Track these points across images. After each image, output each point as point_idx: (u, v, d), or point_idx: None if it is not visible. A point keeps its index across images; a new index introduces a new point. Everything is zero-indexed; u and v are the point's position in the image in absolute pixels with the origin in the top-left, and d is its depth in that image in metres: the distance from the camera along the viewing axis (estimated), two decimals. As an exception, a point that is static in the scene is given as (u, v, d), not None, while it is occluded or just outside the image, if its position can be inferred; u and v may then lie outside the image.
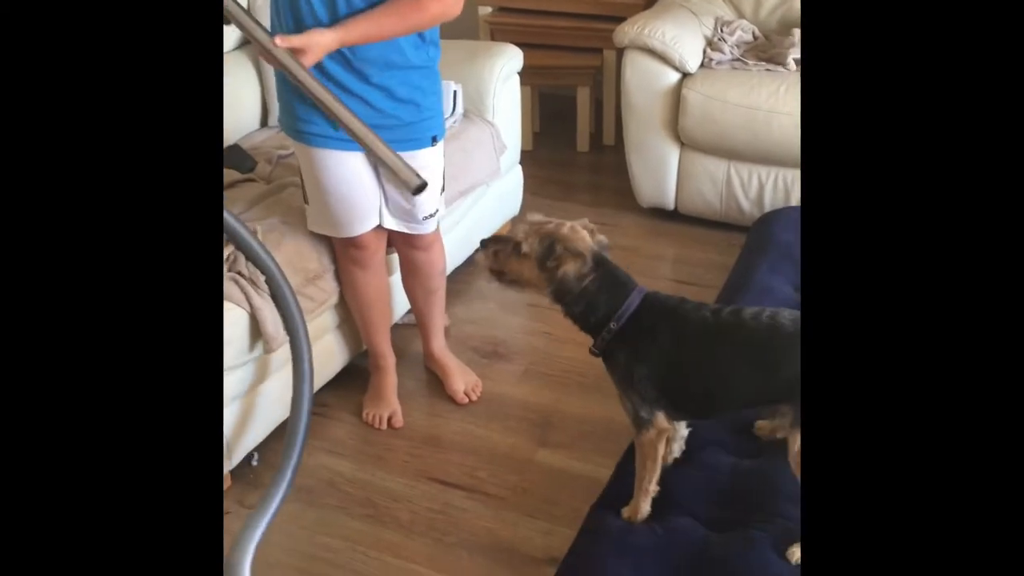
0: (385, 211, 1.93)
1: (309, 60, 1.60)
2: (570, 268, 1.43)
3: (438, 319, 2.22)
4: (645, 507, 1.51)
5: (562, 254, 1.44)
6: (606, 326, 1.46)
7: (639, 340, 1.44)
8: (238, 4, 1.62)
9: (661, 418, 1.46)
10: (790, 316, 1.35)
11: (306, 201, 1.94)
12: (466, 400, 2.18)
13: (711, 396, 1.44)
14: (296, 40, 1.58)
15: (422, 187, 1.59)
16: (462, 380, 2.20)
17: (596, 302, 1.46)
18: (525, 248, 1.48)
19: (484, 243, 1.58)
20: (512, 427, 2.10)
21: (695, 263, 2.78)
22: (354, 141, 1.74)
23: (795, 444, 1.30)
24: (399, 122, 1.79)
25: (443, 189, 2.01)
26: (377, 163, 1.60)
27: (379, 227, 1.93)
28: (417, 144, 1.84)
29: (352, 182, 1.83)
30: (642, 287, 1.50)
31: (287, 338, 1.88)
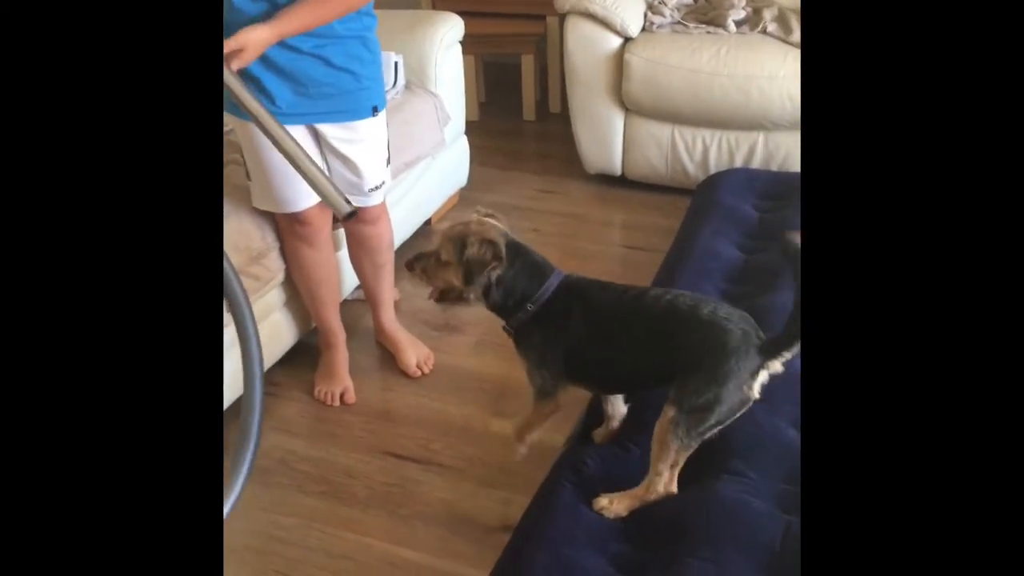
0: None
1: (248, 57, 1.58)
2: (485, 255, 1.48)
3: (387, 293, 2.21)
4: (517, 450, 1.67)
5: (475, 245, 1.48)
6: (523, 307, 1.52)
7: (554, 321, 1.51)
8: None
9: (563, 394, 1.56)
10: (688, 299, 1.43)
11: (248, 178, 1.90)
12: (419, 373, 2.18)
13: (617, 372, 1.52)
14: (231, 42, 1.54)
15: (351, 214, 1.59)
16: (414, 354, 2.20)
17: (514, 287, 1.51)
18: (444, 256, 1.52)
19: (409, 265, 1.59)
20: (466, 398, 2.11)
21: (643, 228, 2.80)
22: (293, 117, 1.73)
23: (666, 416, 1.38)
24: (336, 91, 1.77)
25: (388, 161, 2.00)
26: (308, 184, 1.61)
27: (323, 202, 1.91)
28: (356, 115, 1.83)
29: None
30: (559, 271, 1.55)
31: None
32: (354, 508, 1.83)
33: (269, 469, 1.93)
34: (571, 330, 1.50)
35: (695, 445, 1.40)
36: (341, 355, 2.16)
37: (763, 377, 1.37)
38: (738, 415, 1.39)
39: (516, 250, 1.52)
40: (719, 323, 1.38)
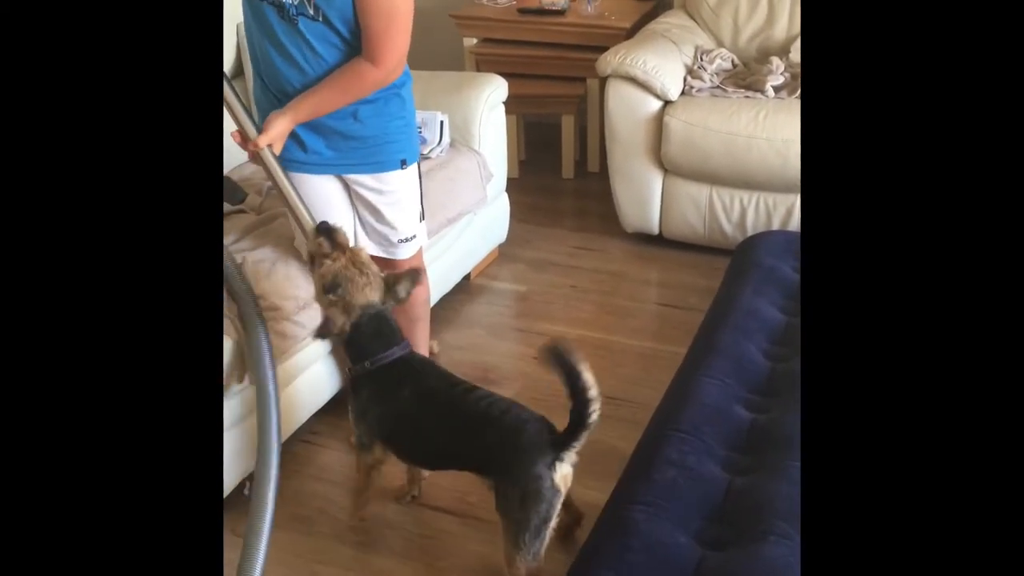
0: (361, 233, 1.97)
1: (277, 148, 1.76)
2: (336, 315, 1.69)
3: (422, 348, 2.23)
4: (354, 515, 1.92)
5: (338, 299, 1.69)
6: (362, 362, 1.72)
7: (384, 386, 1.72)
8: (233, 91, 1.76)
9: (379, 449, 1.78)
10: (503, 405, 1.63)
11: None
12: None
13: (427, 450, 1.76)
14: (264, 138, 1.73)
15: (322, 228, 1.76)
16: None
17: (359, 341, 1.72)
18: (320, 271, 1.71)
19: (324, 230, 1.75)
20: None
21: (680, 287, 2.82)
22: (324, 166, 1.86)
23: (503, 527, 1.60)
24: (364, 144, 1.85)
25: (422, 216, 2.03)
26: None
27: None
28: (383, 166, 1.89)
29: (320, 204, 1.86)
30: (406, 344, 1.76)
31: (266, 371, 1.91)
32: (391, 559, 1.83)
33: (309, 518, 1.95)
34: (396, 402, 1.71)
35: (538, 549, 1.58)
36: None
37: (563, 469, 1.57)
38: (557, 508, 1.58)
39: (374, 312, 1.71)
40: (516, 425, 1.58)
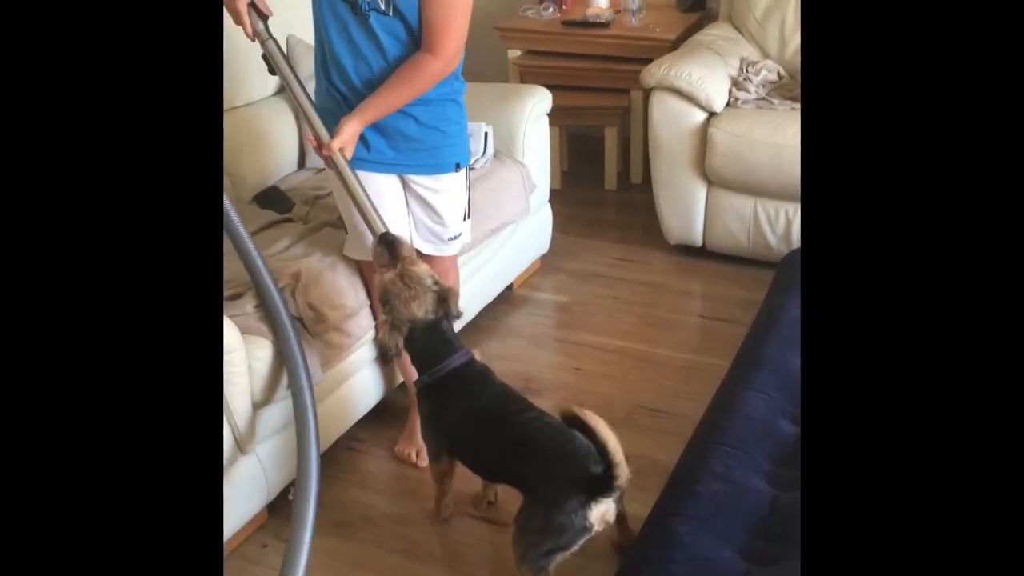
0: (416, 235, 2.02)
1: (349, 152, 1.81)
2: (384, 333, 1.74)
3: None
4: (435, 522, 1.94)
5: (390, 313, 1.73)
6: (422, 374, 1.78)
7: (444, 398, 1.76)
8: (307, 95, 1.84)
9: (447, 459, 1.83)
10: (552, 431, 1.61)
11: (347, 230, 2.01)
12: None
13: (482, 462, 1.78)
14: (335, 143, 1.78)
15: (383, 238, 1.79)
16: None
17: (417, 354, 1.78)
18: (375, 286, 1.78)
19: (385, 242, 1.78)
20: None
21: (724, 299, 2.80)
22: (386, 165, 1.91)
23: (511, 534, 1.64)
24: (424, 146, 1.91)
25: (467, 215, 2.10)
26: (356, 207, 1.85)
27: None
28: (439, 168, 1.96)
29: (382, 201, 1.90)
30: (466, 351, 1.78)
31: (323, 377, 1.93)
32: (433, 567, 1.84)
33: (351, 524, 1.97)
34: (454, 413, 1.75)
35: (543, 565, 1.57)
36: (420, 413, 2.20)
37: (600, 508, 1.52)
38: (581, 542, 1.55)
39: (425, 326, 1.73)
40: (560, 454, 1.57)
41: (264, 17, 1.80)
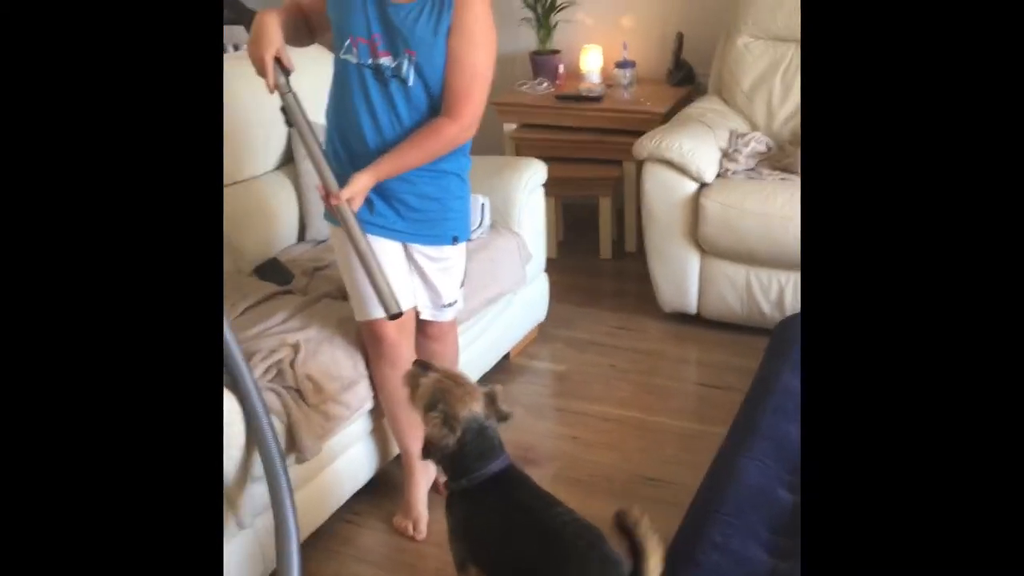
0: (416, 300, 2.06)
1: (358, 203, 1.83)
2: (435, 431, 1.60)
3: None
4: None
5: (439, 415, 1.61)
6: (459, 480, 1.63)
7: (477, 502, 1.63)
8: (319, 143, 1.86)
9: (475, 570, 1.64)
10: (580, 537, 1.51)
11: (349, 293, 2.03)
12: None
13: (499, 558, 1.61)
14: (346, 192, 1.81)
15: (396, 315, 1.81)
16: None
17: (459, 459, 1.63)
18: (419, 394, 1.66)
19: (422, 367, 1.71)
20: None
21: (719, 366, 2.81)
22: (389, 231, 1.95)
23: None
24: (424, 217, 1.96)
25: (463, 284, 2.14)
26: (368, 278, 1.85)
27: (403, 323, 1.99)
28: (437, 240, 2.01)
29: (385, 265, 1.89)
30: (506, 456, 1.66)
31: (320, 449, 1.93)
32: (430, 643, 1.82)
33: (348, 598, 1.95)
34: (487, 516, 1.62)
35: None
36: (417, 486, 2.17)
37: None
38: None
39: (476, 429, 1.62)
40: (583, 561, 1.46)
41: (287, 72, 1.85)
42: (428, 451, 1.64)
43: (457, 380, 1.66)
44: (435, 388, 1.64)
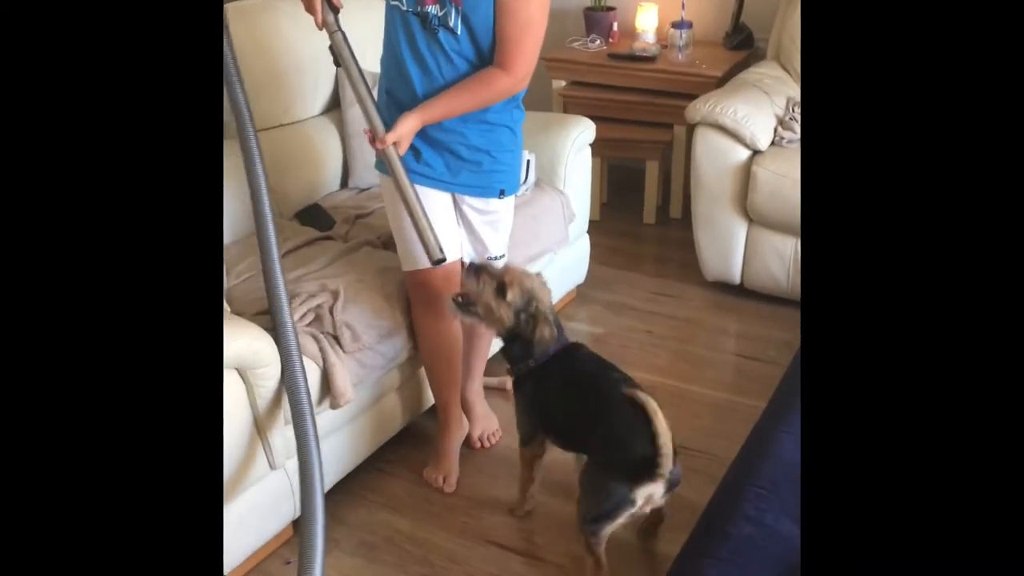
0: (466, 243, 2.05)
1: (405, 145, 1.81)
2: (545, 331, 1.81)
3: (477, 362, 2.26)
4: (519, 510, 2.03)
5: (535, 314, 1.81)
6: (525, 361, 1.85)
7: (543, 379, 1.84)
8: (367, 86, 1.82)
9: (539, 442, 1.92)
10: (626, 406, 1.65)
11: (387, 247, 2.01)
12: (479, 446, 2.25)
13: (570, 434, 1.84)
14: (391, 135, 1.79)
15: (440, 261, 1.81)
16: (480, 426, 2.27)
17: (525, 344, 1.83)
18: (509, 296, 1.80)
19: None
20: (574, 496, 2.09)
21: (759, 339, 2.76)
22: (439, 183, 1.93)
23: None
24: (473, 168, 1.93)
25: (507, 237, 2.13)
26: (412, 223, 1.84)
27: (449, 274, 1.98)
28: (484, 192, 1.97)
29: (434, 216, 1.87)
30: (566, 339, 1.88)
31: (354, 396, 1.93)
32: (454, 594, 1.83)
33: (375, 545, 1.96)
34: (550, 387, 1.82)
35: (594, 531, 1.68)
36: (451, 439, 2.18)
37: (648, 490, 1.63)
38: (625, 514, 1.65)
39: (541, 316, 1.81)
40: (630, 427, 1.62)
41: (335, 9, 1.80)
42: (509, 335, 1.84)
43: (526, 274, 1.84)
44: (526, 287, 1.81)
